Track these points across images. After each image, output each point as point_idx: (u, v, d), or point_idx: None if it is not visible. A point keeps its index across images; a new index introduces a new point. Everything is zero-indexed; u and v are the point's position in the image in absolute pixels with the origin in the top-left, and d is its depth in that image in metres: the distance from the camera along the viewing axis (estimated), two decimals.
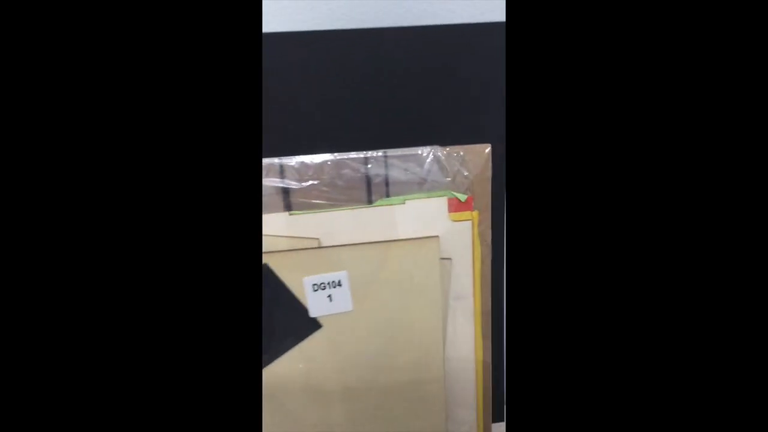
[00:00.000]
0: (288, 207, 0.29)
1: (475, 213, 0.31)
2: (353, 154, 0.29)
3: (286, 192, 0.29)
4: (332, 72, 0.28)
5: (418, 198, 0.30)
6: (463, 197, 0.30)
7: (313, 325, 0.30)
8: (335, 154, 0.29)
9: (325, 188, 0.29)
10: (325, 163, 0.29)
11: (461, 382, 0.33)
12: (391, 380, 0.32)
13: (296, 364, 0.30)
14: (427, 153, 0.29)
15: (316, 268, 0.29)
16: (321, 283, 0.29)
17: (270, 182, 0.28)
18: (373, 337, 0.31)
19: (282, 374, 0.30)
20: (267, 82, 0.27)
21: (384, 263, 0.30)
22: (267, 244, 0.29)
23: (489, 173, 0.30)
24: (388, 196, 0.30)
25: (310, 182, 0.29)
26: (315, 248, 0.29)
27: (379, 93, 0.29)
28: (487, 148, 0.30)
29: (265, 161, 0.28)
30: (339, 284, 0.29)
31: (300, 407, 0.32)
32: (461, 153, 0.30)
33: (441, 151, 0.29)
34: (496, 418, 0.38)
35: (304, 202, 0.29)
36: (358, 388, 0.31)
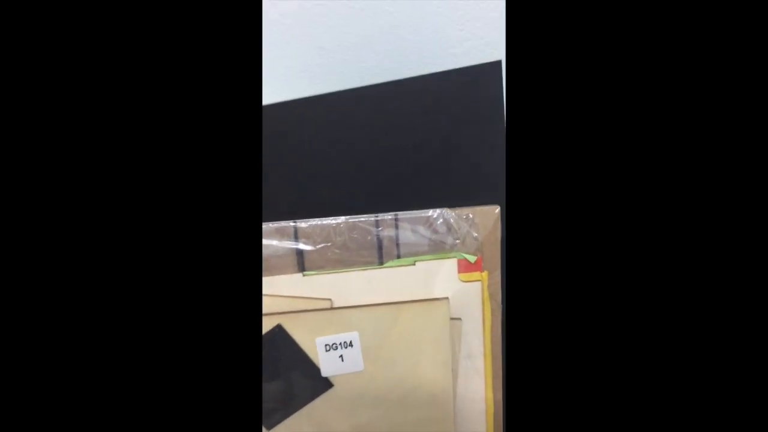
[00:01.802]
0: (302, 268, 0.30)
1: (484, 273, 0.31)
2: (364, 217, 0.30)
3: (300, 254, 0.30)
4: (339, 134, 0.30)
5: (428, 259, 0.30)
6: (472, 259, 0.31)
7: (326, 384, 0.30)
8: (347, 217, 0.30)
9: (337, 250, 0.30)
10: (337, 225, 0.30)
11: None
12: None
13: (306, 427, 0.31)
14: (436, 215, 0.30)
15: (328, 328, 0.30)
16: (333, 344, 0.30)
17: (284, 244, 0.30)
18: (384, 396, 0.31)
19: None
20: (278, 148, 0.29)
21: (394, 324, 0.30)
22: (281, 305, 0.29)
23: (498, 234, 0.31)
24: (398, 257, 0.30)
25: (323, 244, 0.30)
26: (327, 309, 0.30)
27: (388, 153, 0.30)
28: (497, 209, 0.31)
29: (280, 224, 0.29)
30: (350, 345, 0.30)
31: None
32: (470, 215, 0.30)
33: (450, 213, 0.30)
34: None
35: (317, 264, 0.30)
36: None
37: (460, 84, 0.30)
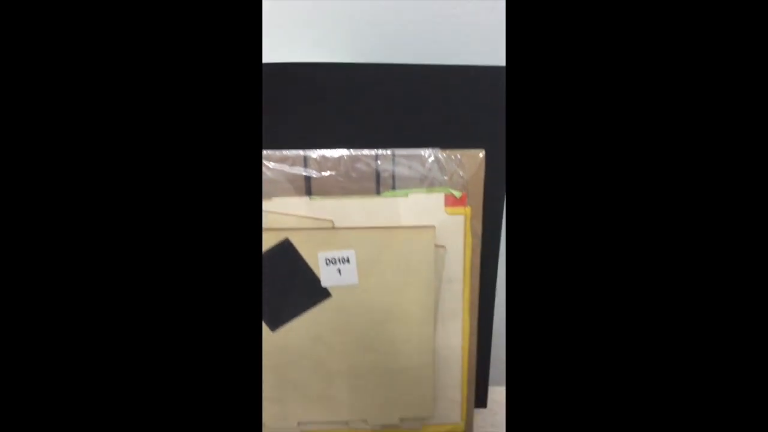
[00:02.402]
0: (309, 192, 0.34)
1: (468, 209, 0.36)
2: (366, 151, 0.34)
3: (308, 179, 0.34)
4: (350, 81, 0.34)
5: (419, 192, 0.35)
6: (458, 194, 0.35)
7: (324, 293, 0.35)
8: (351, 150, 0.34)
9: (340, 178, 0.34)
10: (342, 157, 0.34)
11: (449, 349, 0.38)
12: (387, 347, 0.37)
13: (306, 333, 0.36)
14: (429, 154, 0.34)
15: (329, 245, 0.34)
16: (333, 258, 0.34)
17: (295, 170, 0.34)
18: (374, 308, 0.36)
19: (288, 346, 0.36)
20: (294, 88, 0.33)
21: (387, 246, 0.35)
22: (289, 222, 0.34)
23: (482, 174, 0.35)
24: (393, 188, 0.35)
25: (329, 173, 0.34)
26: (329, 228, 0.34)
27: (391, 98, 0.34)
28: (481, 153, 0.35)
29: (291, 152, 0.34)
30: (348, 261, 0.35)
31: (311, 375, 0.37)
32: (458, 156, 0.35)
33: (441, 153, 0.34)
34: (478, 403, 0.42)
35: (322, 189, 0.34)
36: (360, 351, 0.37)
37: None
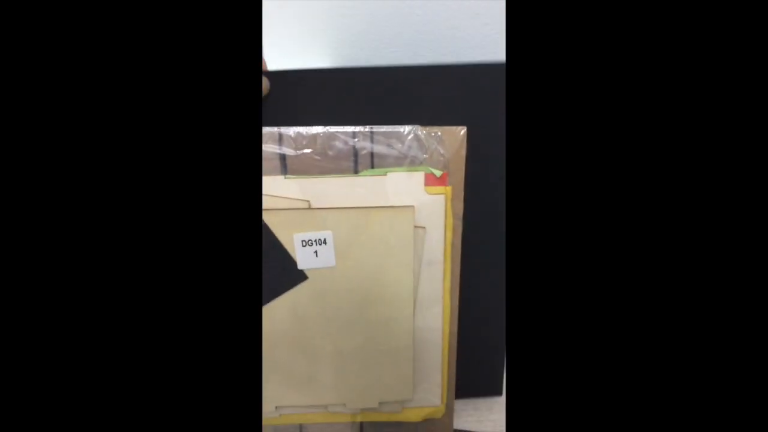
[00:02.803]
0: (284, 171, 0.33)
1: (448, 188, 0.35)
2: (343, 128, 0.33)
3: (283, 158, 0.33)
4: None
5: (398, 171, 0.34)
6: (438, 173, 0.34)
7: (301, 276, 0.34)
8: (327, 127, 0.33)
9: (317, 157, 0.33)
10: (318, 134, 0.33)
11: (430, 331, 0.37)
12: (367, 330, 0.36)
13: (284, 316, 0.35)
14: (408, 131, 0.33)
15: (305, 226, 0.33)
16: (309, 240, 0.33)
17: (269, 148, 0.33)
18: (352, 291, 0.35)
19: (266, 330, 0.35)
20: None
21: (365, 226, 0.34)
22: (264, 203, 0.33)
23: (463, 153, 0.34)
24: (372, 167, 0.34)
25: (305, 151, 0.33)
26: (305, 209, 0.33)
27: (369, 76, 0.33)
28: (463, 130, 0.34)
29: (266, 129, 0.32)
30: (324, 242, 0.34)
31: (290, 359, 0.36)
32: (439, 133, 0.34)
33: (420, 130, 0.33)
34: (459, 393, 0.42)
35: (298, 168, 0.33)
36: (340, 335, 0.36)
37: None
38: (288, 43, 0.43)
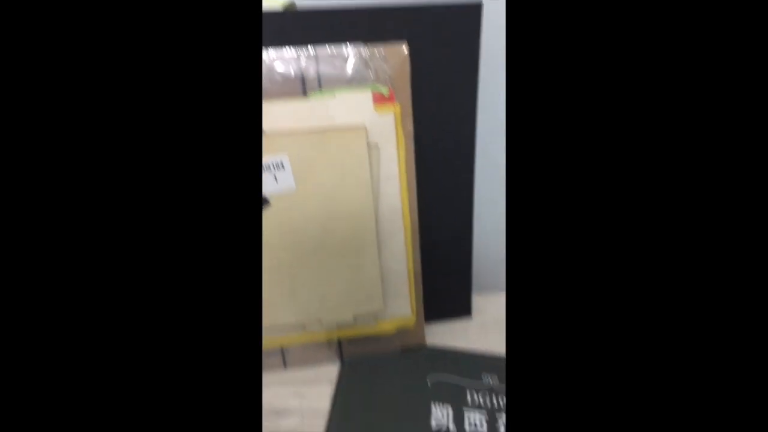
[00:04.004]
0: None
1: (397, 106, 0.36)
2: (287, 51, 0.34)
3: None
4: None
5: (346, 91, 0.35)
6: (385, 90, 0.35)
7: (264, 201, 0.36)
8: (270, 48, 0.33)
9: (265, 82, 0.34)
10: (263, 60, 0.33)
11: (394, 244, 0.39)
12: (333, 249, 0.38)
13: None
14: (351, 50, 0.34)
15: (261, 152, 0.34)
16: (267, 165, 0.35)
17: None
18: (314, 213, 0.37)
19: None
20: None
21: (320, 148, 0.35)
22: None
23: (407, 69, 0.35)
24: (320, 89, 0.35)
25: None
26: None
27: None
28: (404, 46, 0.35)
29: None
30: (282, 166, 0.35)
31: (264, 282, 0.37)
32: (382, 51, 0.35)
33: (363, 49, 0.34)
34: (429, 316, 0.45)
35: None
36: (308, 255, 0.38)
37: None
38: None
